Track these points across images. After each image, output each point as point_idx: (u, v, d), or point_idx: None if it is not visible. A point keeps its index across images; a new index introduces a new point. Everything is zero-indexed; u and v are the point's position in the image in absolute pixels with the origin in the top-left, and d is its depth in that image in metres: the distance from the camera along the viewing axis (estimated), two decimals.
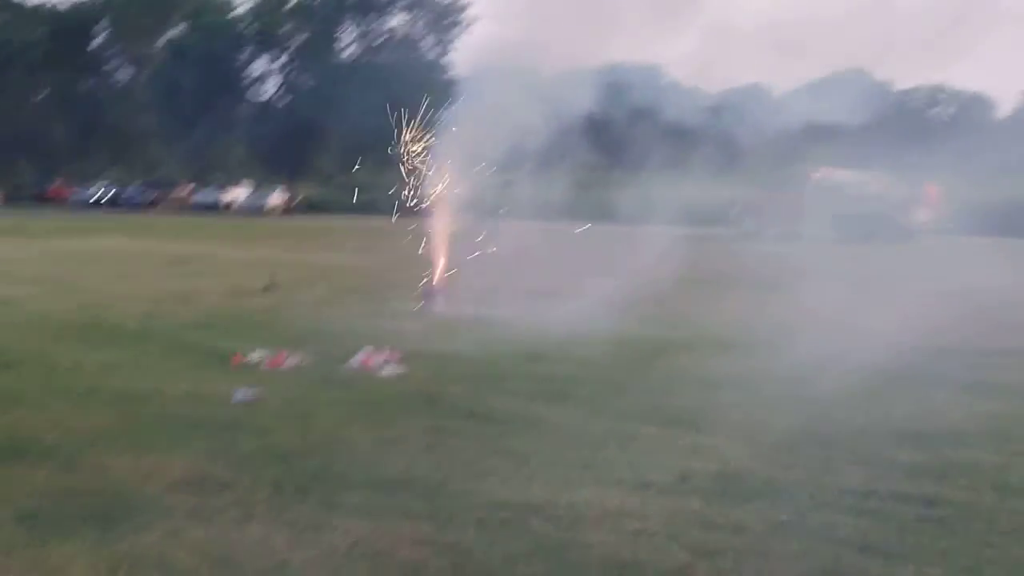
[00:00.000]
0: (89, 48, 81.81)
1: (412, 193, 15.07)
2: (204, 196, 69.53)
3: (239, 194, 68.20)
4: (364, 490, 6.26)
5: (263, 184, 69.24)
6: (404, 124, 15.10)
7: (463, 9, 64.09)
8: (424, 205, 15.12)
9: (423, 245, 15.17)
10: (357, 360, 10.44)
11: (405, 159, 15.19)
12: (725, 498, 6.16)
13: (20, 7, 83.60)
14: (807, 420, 8.01)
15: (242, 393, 8.86)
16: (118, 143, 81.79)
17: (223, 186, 70.26)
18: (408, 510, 5.89)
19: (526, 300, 14.91)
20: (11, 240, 31.30)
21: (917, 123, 63.51)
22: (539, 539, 5.45)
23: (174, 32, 78.14)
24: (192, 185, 71.37)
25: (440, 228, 15.15)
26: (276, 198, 65.84)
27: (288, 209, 64.18)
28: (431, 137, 15.02)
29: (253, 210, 65.11)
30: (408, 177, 15.18)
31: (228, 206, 66.80)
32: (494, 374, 9.99)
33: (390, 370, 10.15)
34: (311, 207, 62.95)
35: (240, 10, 76.15)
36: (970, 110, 75.97)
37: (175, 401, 8.73)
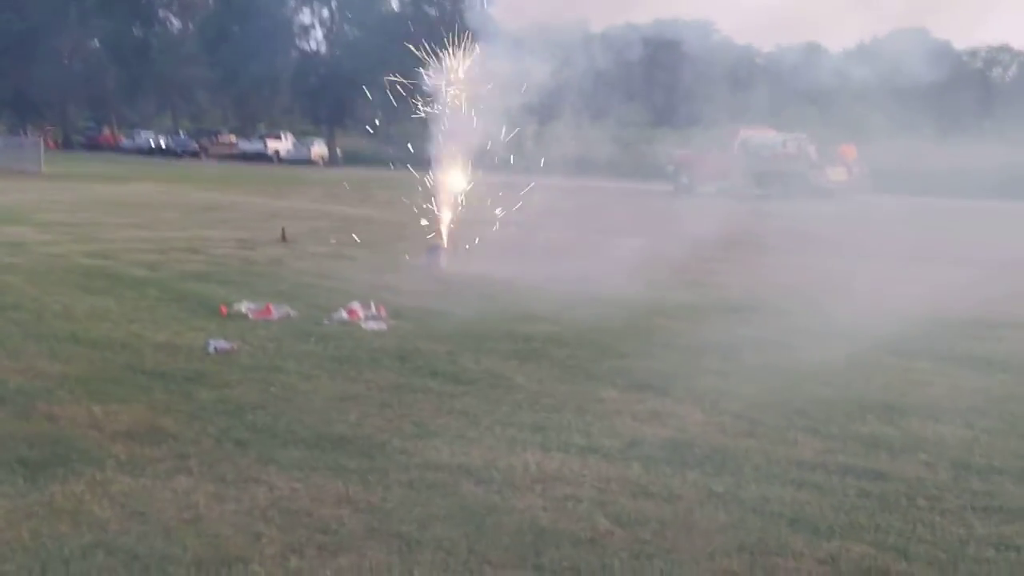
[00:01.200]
0: None
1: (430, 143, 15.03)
2: (249, 145, 69.95)
3: (283, 144, 68.54)
4: (305, 446, 6.20)
5: (306, 134, 69.44)
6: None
7: None
8: (437, 157, 15.03)
9: (431, 199, 15.11)
10: (342, 314, 10.40)
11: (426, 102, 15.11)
12: (668, 466, 6.02)
13: None
14: (778, 390, 7.83)
15: (216, 343, 8.86)
16: (167, 91, 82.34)
17: (267, 135, 70.63)
18: (342, 468, 5.81)
19: (530, 258, 14.81)
20: (48, 184, 31.63)
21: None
22: (464, 502, 5.35)
23: None
24: (235, 135, 71.78)
25: (449, 182, 15.04)
26: (318, 148, 66.05)
27: (331, 159, 64.37)
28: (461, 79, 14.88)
29: (297, 159, 65.45)
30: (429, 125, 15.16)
31: (276, 154, 67.22)
32: (477, 333, 9.89)
33: (373, 325, 10.10)
34: (355, 158, 63.04)
35: None
36: None
37: (150, 350, 8.74)
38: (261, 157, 66.81)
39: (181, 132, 77.98)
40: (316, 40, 75.13)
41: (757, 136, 37.18)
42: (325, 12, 73.23)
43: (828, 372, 8.49)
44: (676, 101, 41.60)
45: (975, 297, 12.89)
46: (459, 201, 15.17)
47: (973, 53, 77.76)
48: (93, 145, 79.09)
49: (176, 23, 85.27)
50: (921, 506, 5.53)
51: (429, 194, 15.32)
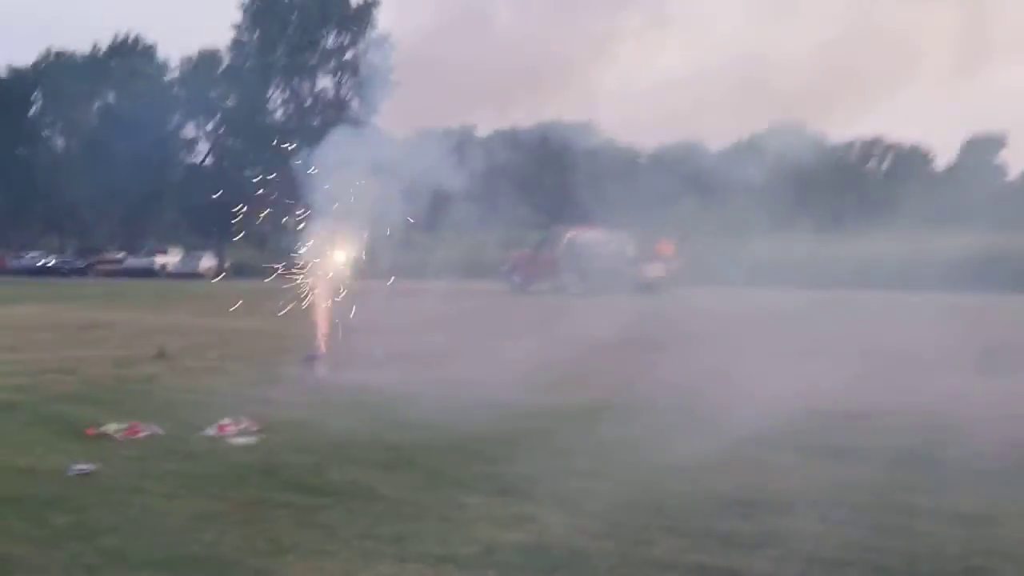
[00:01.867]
0: (24, 116, 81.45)
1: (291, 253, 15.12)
2: (136, 260, 69.16)
3: (171, 259, 67.91)
4: (155, 568, 6.10)
5: (195, 248, 68.91)
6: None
7: (389, 72, 64.32)
8: (304, 265, 15.10)
9: (305, 309, 15.13)
10: (210, 430, 10.28)
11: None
12: (522, 572, 6.05)
13: None
14: (640, 489, 7.92)
15: (78, 466, 8.68)
16: (53, 210, 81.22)
17: (155, 251, 70.00)
18: None
19: (408, 365, 14.85)
20: None
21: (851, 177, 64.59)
22: None
23: (106, 99, 77.90)
24: (123, 251, 71.02)
25: (322, 291, 15.08)
26: (207, 262, 65.56)
27: (219, 273, 63.78)
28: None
29: (185, 274, 64.79)
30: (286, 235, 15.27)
31: (163, 268, 66.52)
32: (346, 443, 9.83)
33: (242, 440, 10.00)
34: (244, 270, 62.54)
35: (170, 76, 76.21)
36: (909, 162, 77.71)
37: (10, 475, 8.52)
38: (149, 272, 66.06)
39: (68, 250, 76.83)
40: (201, 153, 75.07)
41: (582, 236, 39.29)
42: (210, 125, 73.27)
43: (692, 468, 8.60)
44: (558, 201, 42.65)
45: (841, 388, 13.16)
46: (334, 309, 15.19)
47: (849, 145, 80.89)
48: None
49: (60, 141, 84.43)
50: None
51: (307, 303, 15.32)
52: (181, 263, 67.48)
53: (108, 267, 68.89)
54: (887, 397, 12.70)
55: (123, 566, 6.14)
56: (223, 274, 62.27)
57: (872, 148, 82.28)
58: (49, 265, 71.65)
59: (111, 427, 10.47)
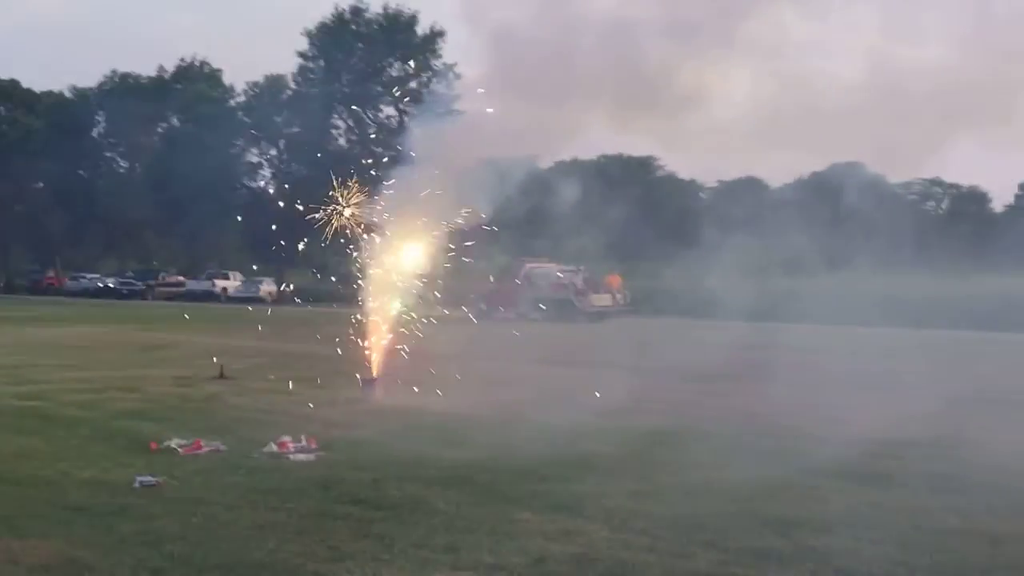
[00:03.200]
0: (87, 137, 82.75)
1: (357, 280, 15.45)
2: (197, 284, 70.08)
3: (231, 283, 68.76)
4: (220, 573, 6.38)
5: (255, 272, 69.69)
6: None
7: (454, 100, 65.06)
8: (365, 292, 15.43)
9: (364, 333, 15.45)
10: (271, 446, 10.59)
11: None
12: None
13: (24, 94, 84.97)
14: (684, 507, 8.14)
15: (142, 478, 9.01)
16: (114, 232, 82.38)
17: (215, 275, 70.86)
18: None
19: (468, 388, 15.14)
20: None
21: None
22: None
23: (170, 122, 79.13)
24: (182, 275, 71.97)
25: (381, 316, 15.40)
26: (267, 286, 66.30)
27: (278, 297, 64.50)
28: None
29: (246, 298, 65.57)
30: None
31: (223, 292, 67.36)
32: (403, 461, 10.11)
33: (301, 456, 10.30)
34: (304, 295, 63.19)
35: (235, 100, 77.31)
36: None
37: (75, 486, 8.88)
38: (209, 296, 66.95)
39: (128, 273, 77.92)
40: (264, 178, 76.02)
41: (538, 268, 42.69)
42: (273, 151, 74.27)
43: (735, 490, 8.82)
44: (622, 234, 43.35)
45: (882, 418, 13.27)
46: (393, 335, 15.50)
47: (907, 185, 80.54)
48: (37, 288, 78.76)
49: (123, 164, 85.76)
50: None
51: (365, 329, 15.65)
52: (241, 287, 68.32)
53: (168, 290, 69.87)
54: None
55: (188, 570, 6.43)
56: (282, 299, 63.14)
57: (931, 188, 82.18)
58: (108, 286, 72.76)
59: (174, 442, 10.82)
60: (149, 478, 9.05)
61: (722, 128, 21.04)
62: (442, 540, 7.15)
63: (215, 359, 18.79)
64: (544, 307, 38.35)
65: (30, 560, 6.59)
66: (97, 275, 76.50)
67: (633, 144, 68.39)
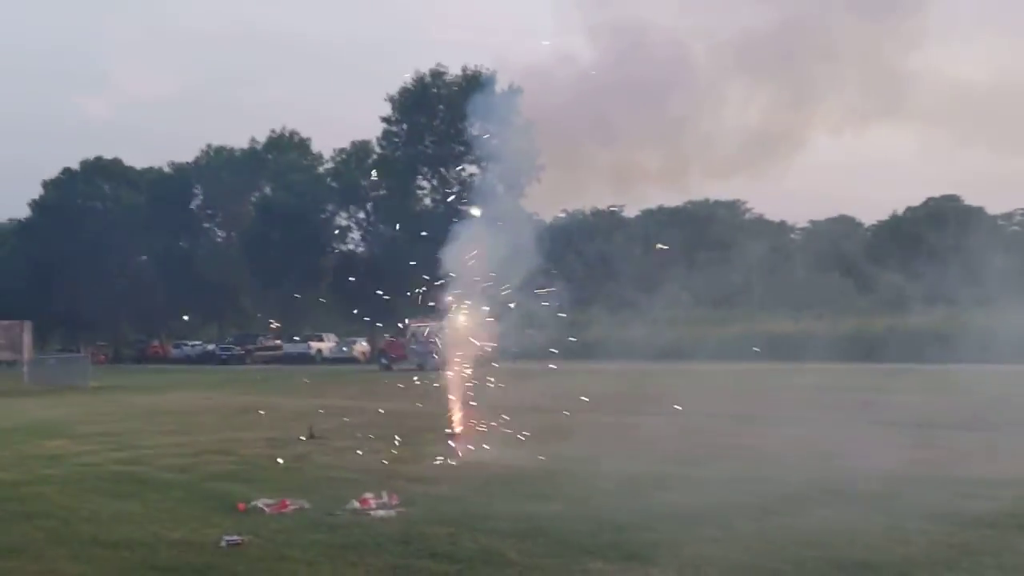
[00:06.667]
0: (186, 210, 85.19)
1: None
2: (293, 347, 71.26)
3: (326, 344, 69.82)
4: None
5: (349, 333, 70.75)
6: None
7: (535, 158, 65.57)
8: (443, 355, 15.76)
9: (445, 392, 15.75)
10: (354, 504, 10.82)
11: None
12: None
13: (126, 172, 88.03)
14: (762, 554, 8.15)
15: (229, 538, 9.29)
16: (213, 300, 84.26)
17: (311, 337, 72.02)
18: None
19: (547, 441, 15.27)
20: (93, 397, 32.55)
21: None
22: None
23: (263, 190, 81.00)
24: (278, 338, 73.23)
25: (459, 375, 15.67)
26: (360, 347, 67.24)
27: (373, 357, 65.29)
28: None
29: (340, 359, 66.57)
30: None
31: (319, 353, 68.44)
32: (482, 514, 10.25)
33: (382, 513, 10.50)
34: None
35: (324, 167, 78.89)
36: None
37: (166, 547, 9.19)
38: (305, 358, 68.04)
39: (227, 339, 79.53)
40: (354, 240, 77.28)
41: (416, 326, 46.63)
42: (361, 214, 75.49)
43: (815, 534, 8.80)
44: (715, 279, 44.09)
45: (973, 458, 13.12)
46: (473, 392, 15.82)
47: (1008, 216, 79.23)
48: (143, 357, 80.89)
49: (220, 234, 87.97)
50: None
51: (447, 387, 15.97)
52: (336, 348, 69.40)
53: (266, 354, 71.14)
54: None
55: None
56: (375, 359, 63.91)
57: None
58: (209, 352, 74.38)
59: (261, 502, 11.11)
60: (235, 537, 9.32)
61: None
62: None
63: (306, 421, 19.22)
64: (425, 360, 43.32)
65: None
66: (199, 342, 78.32)
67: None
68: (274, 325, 73.52)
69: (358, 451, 15.79)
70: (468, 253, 15.45)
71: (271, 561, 8.47)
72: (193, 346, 78.58)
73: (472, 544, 8.87)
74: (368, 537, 9.33)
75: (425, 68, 70.57)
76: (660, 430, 16.94)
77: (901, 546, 8.39)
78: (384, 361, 52.71)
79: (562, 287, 17.73)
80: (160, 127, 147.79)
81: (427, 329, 45.37)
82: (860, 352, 40.01)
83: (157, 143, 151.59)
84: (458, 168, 68.41)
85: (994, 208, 74.59)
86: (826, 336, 42.13)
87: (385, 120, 71.18)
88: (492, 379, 16.06)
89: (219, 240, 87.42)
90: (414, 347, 47.16)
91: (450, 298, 15.78)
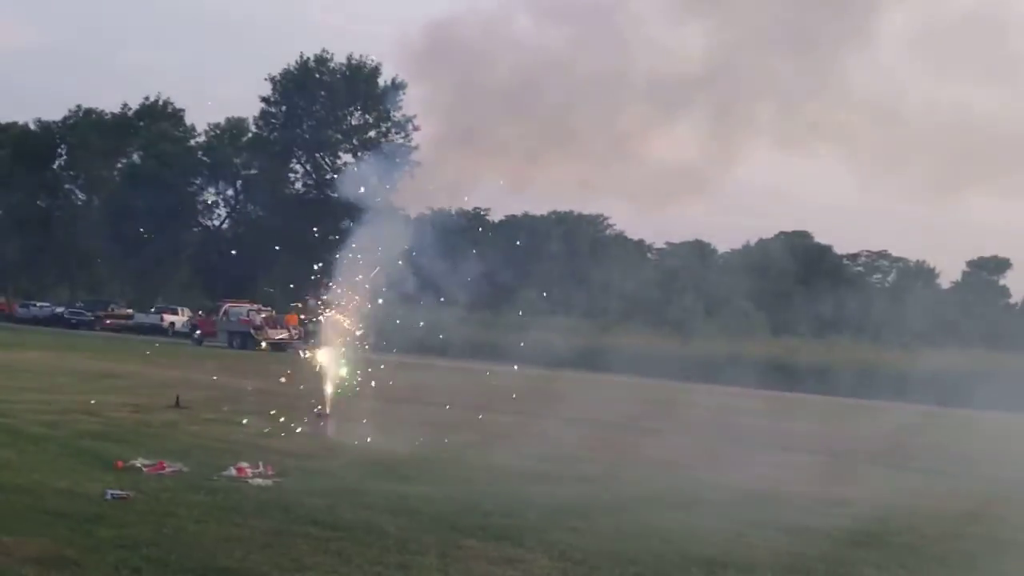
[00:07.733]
0: (48, 169, 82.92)
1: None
2: (145, 317, 70.05)
3: (179, 318, 68.87)
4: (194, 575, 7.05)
5: (206, 309, 69.93)
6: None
7: (410, 152, 66.01)
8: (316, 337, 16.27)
9: (317, 373, 16.24)
10: (231, 471, 11.24)
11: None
12: None
13: None
14: (620, 544, 8.92)
15: (112, 492, 9.64)
16: (67, 262, 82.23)
17: (164, 309, 70.92)
18: None
19: (413, 429, 15.88)
20: None
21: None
22: None
23: (130, 158, 79.43)
24: (130, 307, 72.00)
25: (332, 358, 16.17)
26: (173, 317, 66.99)
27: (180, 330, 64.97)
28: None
29: (151, 327, 65.96)
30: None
31: (171, 327, 67.44)
32: (356, 490, 10.81)
33: (260, 481, 10.95)
34: None
35: (196, 141, 77.81)
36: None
37: (51, 495, 9.49)
38: (157, 330, 66.93)
39: (78, 303, 77.69)
40: (219, 217, 76.43)
41: (232, 307, 53.34)
42: (230, 191, 74.75)
43: (667, 532, 9.61)
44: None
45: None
46: (342, 377, 16.32)
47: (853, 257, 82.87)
48: None
49: (81, 196, 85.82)
50: None
51: (316, 370, 16.45)
52: (189, 323, 68.53)
53: (116, 321, 69.75)
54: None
55: (165, 571, 7.09)
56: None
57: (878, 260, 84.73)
58: (57, 314, 72.58)
59: (139, 461, 11.43)
60: (119, 492, 9.67)
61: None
62: (395, 559, 7.85)
63: (167, 391, 19.44)
64: (234, 338, 50.47)
65: (20, 554, 7.21)
66: (47, 303, 76.24)
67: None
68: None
69: (243, 421, 16.12)
70: (337, 242, 16.01)
71: (158, 516, 8.85)
72: (41, 307, 76.39)
73: (351, 515, 9.41)
74: (249, 502, 9.78)
75: (311, 52, 70.34)
76: (531, 429, 17.66)
77: (747, 549, 9.25)
78: (196, 336, 55.76)
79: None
80: (30, 81, 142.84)
81: (247, 311, 52.45)
82: (700, 373, 41.14)
83: (27, 98, 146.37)
84: (333, 156, 68.39)
85: (842, 248, 78.60)
86: (676, 354, 43.76)
87: (264, 100, 70.70)
88: (372, 368, 16.58)
89: (80, 203, 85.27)
90: (224, 326, 51.93)
91: (316, 283, 16.30)
